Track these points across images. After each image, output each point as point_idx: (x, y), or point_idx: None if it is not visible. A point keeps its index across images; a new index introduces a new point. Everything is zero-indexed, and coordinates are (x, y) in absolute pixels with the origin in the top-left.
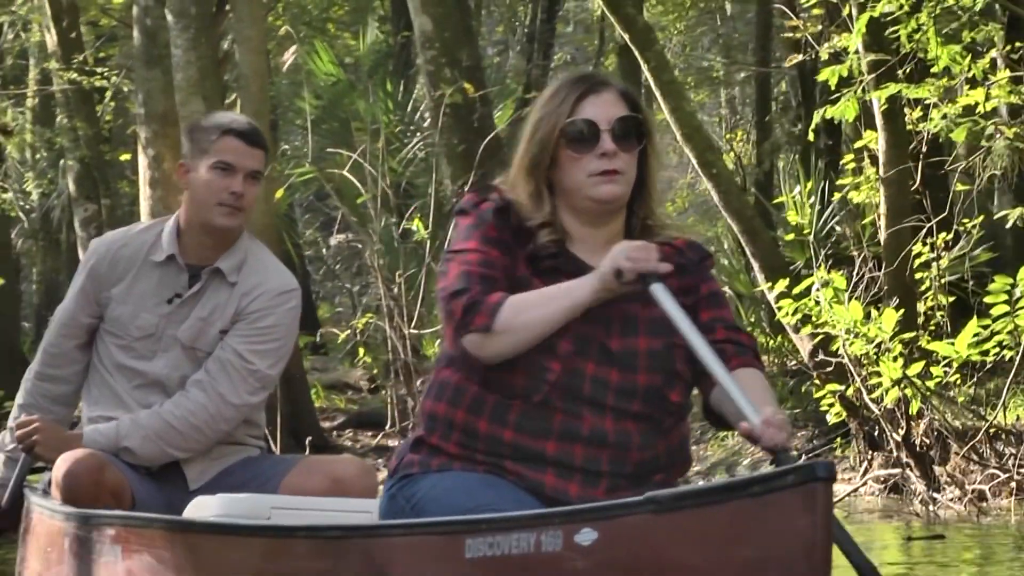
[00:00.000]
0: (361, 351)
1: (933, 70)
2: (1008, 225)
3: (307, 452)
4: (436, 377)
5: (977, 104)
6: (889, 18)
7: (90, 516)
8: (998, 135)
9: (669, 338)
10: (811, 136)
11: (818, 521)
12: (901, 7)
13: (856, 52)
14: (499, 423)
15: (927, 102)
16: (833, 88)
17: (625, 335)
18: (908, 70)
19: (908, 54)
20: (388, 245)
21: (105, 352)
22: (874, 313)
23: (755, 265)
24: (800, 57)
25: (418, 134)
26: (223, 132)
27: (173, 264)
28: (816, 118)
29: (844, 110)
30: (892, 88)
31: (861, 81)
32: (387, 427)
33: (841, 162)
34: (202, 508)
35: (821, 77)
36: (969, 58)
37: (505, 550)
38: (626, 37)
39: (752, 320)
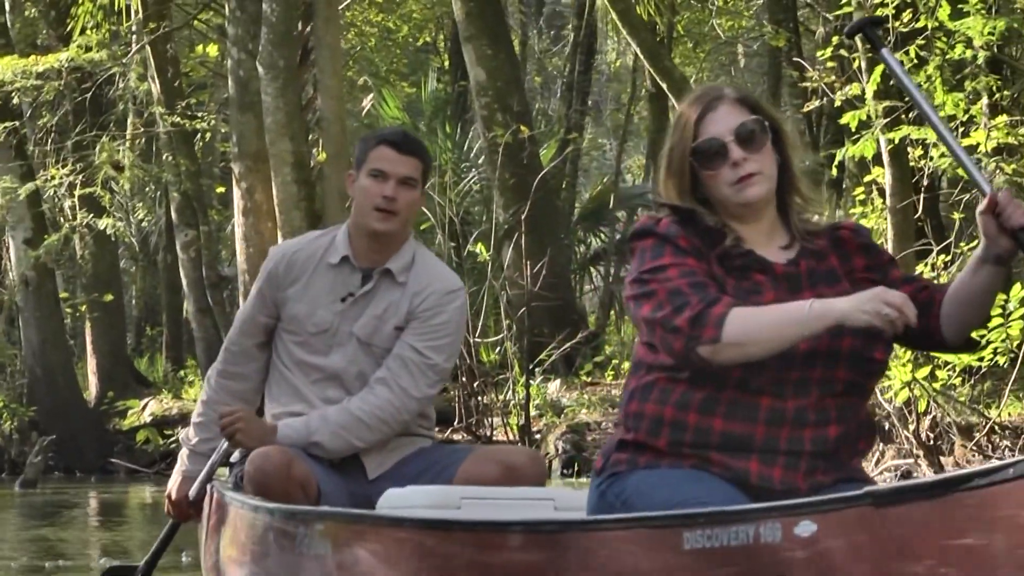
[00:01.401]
0: None
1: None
2: None
3: None
4: (636, 383)
5: (979, 144)
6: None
7: (296, 512)
8: (998, 171)
9: None
10: (834, 171)
11: None
12: (911, 60)
13: (873, 98)
14: (709, 414)
15: (928, 143)
16: (854, 130)
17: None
18: (913, 115)
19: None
20: (450, 264)
21: (284, 350)
22: None
23: None
24: (816, 103)
25: (473, 170)
26: (377, 142)
27: (347, 265)
28: (839, 156)
29: (864, 148)
30: (904, 130)
31: (878, 124)
32: (455, 423)
33: (852, 194)
34: (396, 500)
35: (843, 120)
36: (965, 103)
37: (724, 542)
38: (664, 86)
39: None
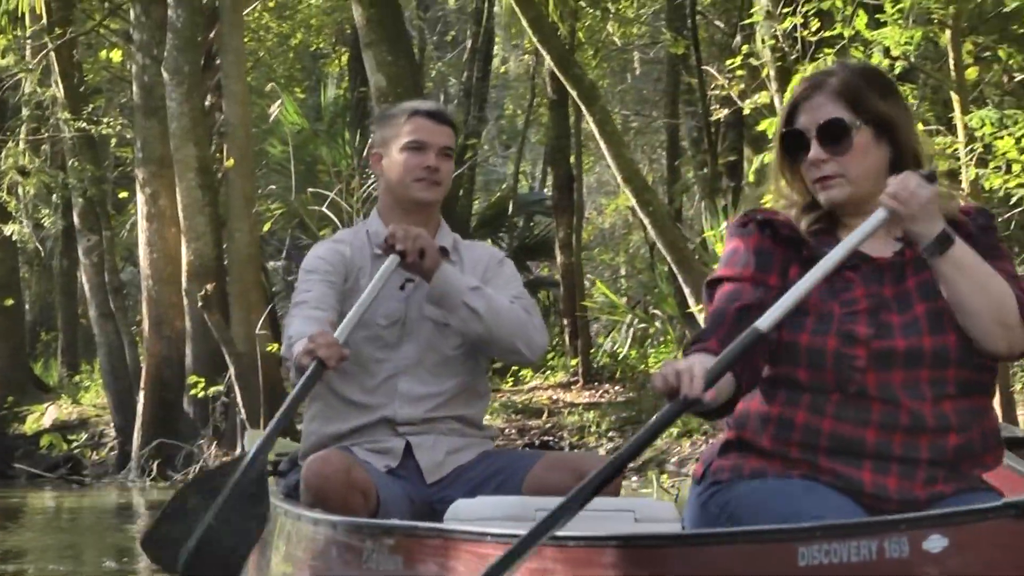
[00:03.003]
0: None
1: None
2: None
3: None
4: None
5: None
6: None
7: (363, 525)
8: None
9: (940, 297)
10: (751, 178)
11: None
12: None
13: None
14: (817, 413)
15: None
16: (771, 137)
17: (903, 310)
18: None
19: None
20: None
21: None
22: None
23: (687, 290)
24: (726, 111)
25: (372, 176)
26: (411, 114)
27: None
28: (755, 163)
29: None
30: None
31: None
32: None
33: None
34: (466, 511)
35: (760, 128)
36: None
37: (843, 558)
38: (574, 94)
39: (677, 337)
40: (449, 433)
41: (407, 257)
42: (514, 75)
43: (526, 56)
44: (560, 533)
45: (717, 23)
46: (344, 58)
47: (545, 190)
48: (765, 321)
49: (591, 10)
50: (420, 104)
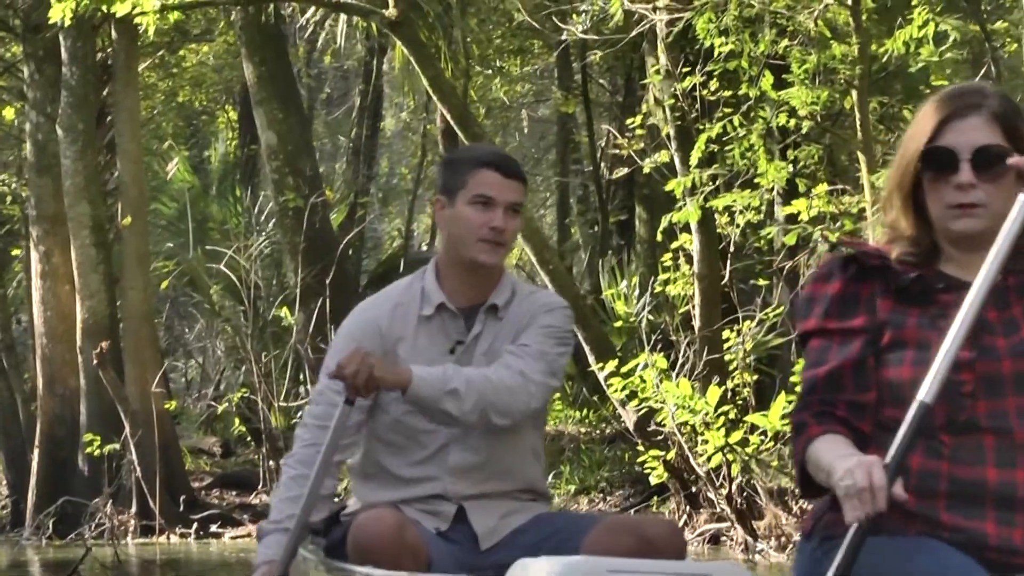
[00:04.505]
0: (236, 421)
1: (758, 182)
2: None
3: (180, 508)
4: None
5: (799, 212)
6: (725, 139)
7: None
8: (822, 240)
9: None
10: (659, 236)
11: None
12: (733, 130)
13: (692, 167)
14: (933, 456)
15: (735, 210)
16: (678, 197)
17: (1009, 333)
18: (721, 183)
19: (725, 167)
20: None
21: (390, 423)
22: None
23: (587, 348)
24: (626, 170)
25: (263, 234)
26: (479, 164)
27: (445, 312)
28: (663, 222)
29: (688, 215)
30: (728, 197)
31: (703, 191)
32: (259, 487)
33: (660, 259)
34: (533, 572)
35: (668, 187)
36: (788, 172)
37: None
38: None
39: (573, 394)
40: (503, 496)
41: (350, 393)
42: (393, 133)
43: (404, 114)
44: None
45: (601, 82)
46: (231, 114)
47: (436, 247)
48: (929, 393)
49: (480, 68)
50: (490, 154)
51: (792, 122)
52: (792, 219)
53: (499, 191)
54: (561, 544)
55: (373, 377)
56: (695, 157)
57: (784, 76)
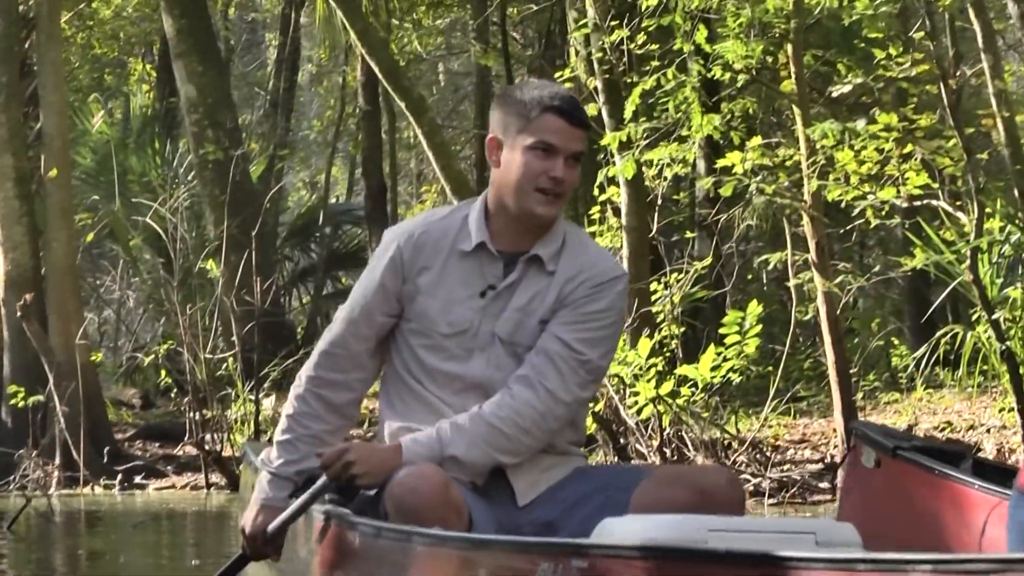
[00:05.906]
0: (163, 372)
1: (686, 135)
2: (770, 267)
3: (105, 460)
4: None
5: (734, 165)
6: (658, 93)
7: (532, 544)
8: (757, 192)
9: None
10: (596, 191)
11: None
12: (667, 82)
13: (627, 120)
14: None
15: (663, 162)
16: (615, 151)
17: None
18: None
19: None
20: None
21: (410, 356)
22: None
23: None
24: None
25: (183, 186)
26: (545, 108)
27: (484, 252)
28: (600, 176)
29: (625, 169)
30: (659, 151)
31: (639, 145)
32: (185, 438)
33: (587, 212)
34: (622, 533)
35: (603, 142)
36: (723, 125)
37: None
38: (402, 105)
39: None
40: (540, 450)
41: (349, 482)
42: (301, 86)
43: (310, 66)
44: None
45: (514, 35)
46: (147, 67)
47: (354, 200)
48: None
49: (396, 22)
50: (556, 96)
51: (727, 75)
52: (727, 171)
53: (564, 139)
54: (608, 501)
55: (358, 483)
56: (629, 111)
57: (719, 29)
